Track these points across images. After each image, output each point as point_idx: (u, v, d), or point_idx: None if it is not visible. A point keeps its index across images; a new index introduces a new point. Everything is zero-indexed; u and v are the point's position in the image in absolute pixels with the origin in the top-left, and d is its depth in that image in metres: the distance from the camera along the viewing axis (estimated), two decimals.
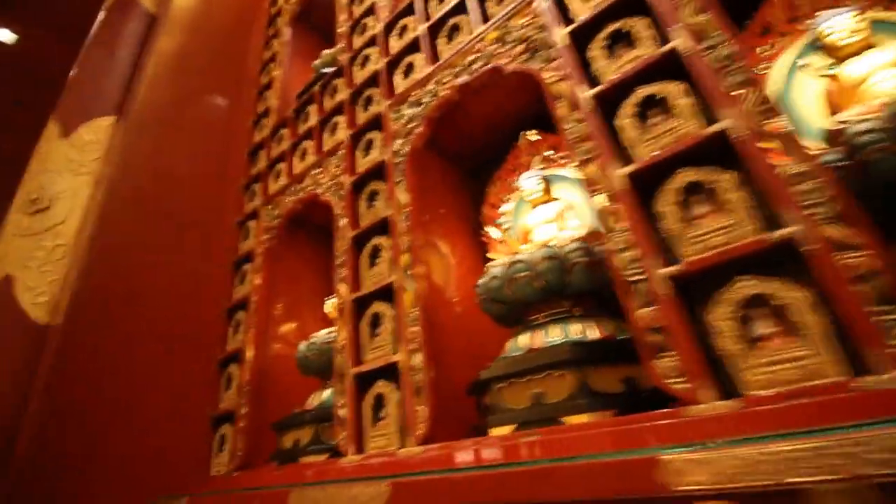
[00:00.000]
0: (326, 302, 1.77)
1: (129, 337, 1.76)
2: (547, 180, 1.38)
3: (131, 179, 2.10)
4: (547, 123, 1.33)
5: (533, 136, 1.52)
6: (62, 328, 1.62)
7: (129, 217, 1.97)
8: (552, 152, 1.48)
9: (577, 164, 0.97)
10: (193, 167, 2.26)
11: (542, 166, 1.47)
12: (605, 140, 0.94)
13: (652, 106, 0.91)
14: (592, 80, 1.03)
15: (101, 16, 2.55)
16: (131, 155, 2.14)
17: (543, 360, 0.89)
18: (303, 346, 1.56)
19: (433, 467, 0.90)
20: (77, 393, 1.56)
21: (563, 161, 1.45)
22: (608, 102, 0.97)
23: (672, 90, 0.88)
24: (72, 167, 2.10)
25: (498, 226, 1.54)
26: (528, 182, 1.38)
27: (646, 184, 0.86)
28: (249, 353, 1.72)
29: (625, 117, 0.93)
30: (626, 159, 0.90)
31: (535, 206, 1.37)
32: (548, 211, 1.33)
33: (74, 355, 1.61)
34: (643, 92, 0.91)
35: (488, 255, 1.53)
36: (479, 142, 1.65)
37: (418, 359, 1.12)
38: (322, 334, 1.53)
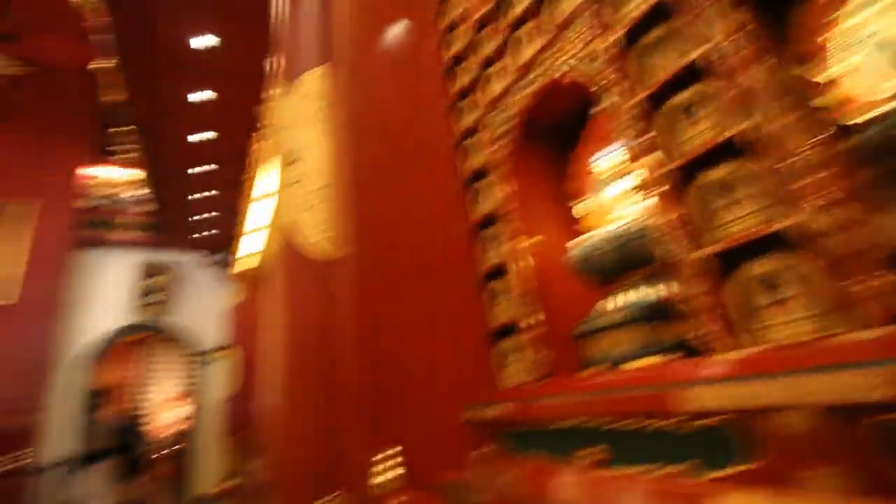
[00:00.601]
0: (576, 205, 1.60)
1: (396, 262, 1.83)
2: None
3: (355, 117, 2.14)
4: None
5: None
6: (347, 258, 1.74)
7: (366, 149, 2.02)
8: None
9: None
10: (402, 93, 2.22)
11: None
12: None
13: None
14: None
15: None
16: (343, 93, 2.18)
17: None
18: (586, 245, 1.40)
19: None
20: (378, 312, 1.66)
21: None
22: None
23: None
24: (303, 119, 2.23)
25: None
26: None
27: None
28: (517, 265, 1.64)
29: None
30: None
31: None
32: None
33: (363, 280, 1.72)
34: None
35: None
36: None
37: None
38: (610, 228, 1.35)
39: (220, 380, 8.05)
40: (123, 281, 7.90)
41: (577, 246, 1.55)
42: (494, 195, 1.83)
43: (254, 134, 5.08)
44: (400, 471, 1.35)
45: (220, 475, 7.41)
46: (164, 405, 10.47)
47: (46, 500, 6.07)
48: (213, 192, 7.53)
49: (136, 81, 4.75)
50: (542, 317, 1.52)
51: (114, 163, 8.10)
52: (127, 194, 8.06)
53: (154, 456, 9.49)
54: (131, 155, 8.19)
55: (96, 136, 8.00)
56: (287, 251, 2.05)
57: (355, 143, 2.00)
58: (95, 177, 7.89)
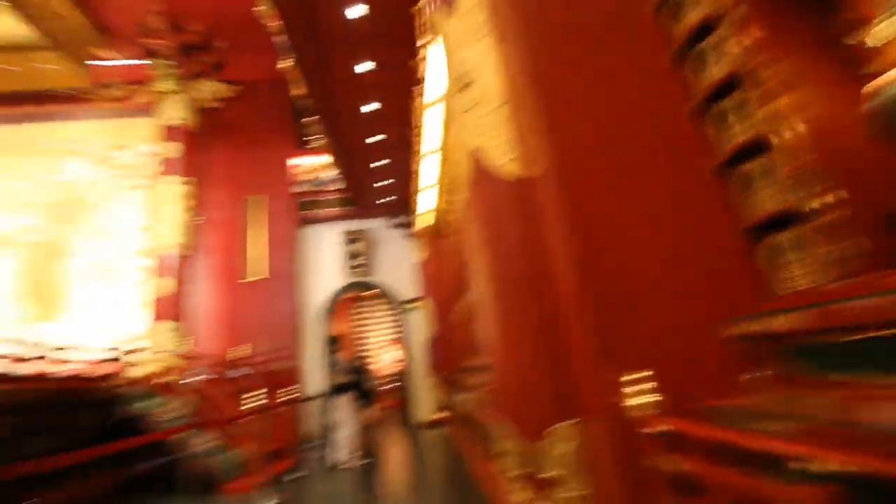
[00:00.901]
0: (861, 37, 1.06)
1: (604, 166, 1.56)
2: None
3: (520, 24, 1.86)
4: None
5: None
6: (547, 173, 1.54)
7: (541, 47, 1.74)
8: None
9: None
10: None
11: None
12: None
13: None
14: None
15: None
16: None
17: None
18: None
19: None
20: (592, 223, 1.45)
21: None
22: None
23: None
24: (468, 37, 2.05)
25: None
26: None
27: None
28: (783, 135, 1.21)
29: None
30: None
31: None
32: None
33: (569, 194, 1.51)
34: None
35: None
36: None
37: None
38: None
39: (419, 326, 9.06)
40: (335, 249, 9.38)
41: (879, 91, 1.05)
42: (729, 52, 1.37)
43: (414, 90, 5.21)
44: (653, 395, 1.15)
45: (433, 406, 8.49)
46: (382, 349, 12.44)
47: (315, 422, 7.82)
48: (387, 160, 8.14)
49: (307, 66, 5.26)
50: (842, 195, 1.09)
51: (310, 151, 9.50)
52: (324, 176, 9.40)
53: (380, 390, 11.41)
54: (320, 141, 9.45)
55: (295, 130, 9.46)
56: (478, 179, 1.98)
57: (530, 43, 1.75)
58: (300, 165, 9.41)
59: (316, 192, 9.47)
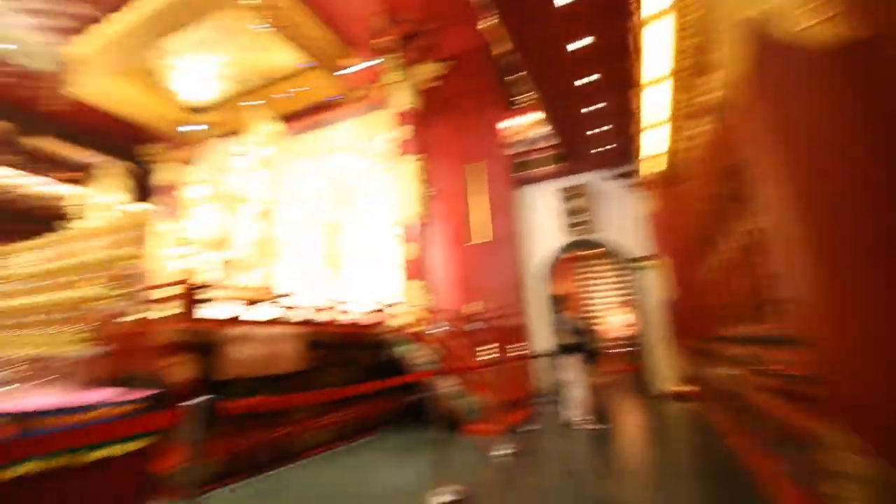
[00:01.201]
0: None
1: None
2: None
3: None
4: None
5: None
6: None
7: None
8: None
9: None
10: None
11: None
12: None
13: None
14: None
15: None
16: None
17: None
18: None
19: None
20: None
21: None
22: None
23: None
24: None
25: None
26: None
27: None
28: None
29: None
30: None
31: None
32: None
33: None
34: None
35: None
36: None
37: None
38: None
39: (653, 286, 8.05)
40: (553, 208, 9.15)
41: None
42: None
43: (630, 5, 4.36)
44: None
45: (675, 376, 7.49)
46: (609, 311, 11.75)
47: (545, 378, 7.93)
48: (602, 103, 7.29)
49: (509, 17, 4.98)
50: None
51: (519, 111, 9.39)
52: (536, 134, 9.17)
53: (607, 353, 10.83)
54: (529, 98, 9.20)
55: (503, 93, 9.49)
56: (763, 61, 1.38)
57: None
58: (511, 127, 9.43)
59: (529, 152, 9.34)
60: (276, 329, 4.55)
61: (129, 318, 3.95)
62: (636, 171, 8.18)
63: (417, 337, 6.28)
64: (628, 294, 9.36)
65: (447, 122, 9.56)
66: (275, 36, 8.26)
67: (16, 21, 9.43)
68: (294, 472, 4.01)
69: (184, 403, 1.51)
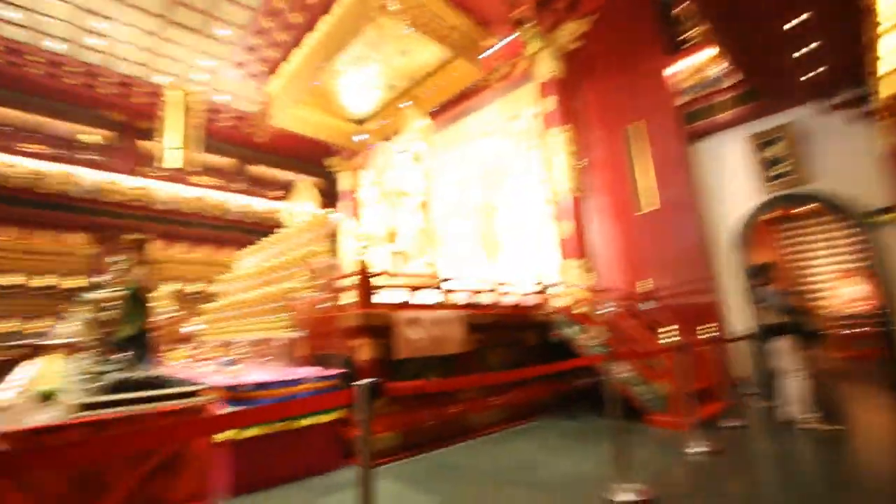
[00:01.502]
0: None
1: None
2: None
3: None
4: None
5: None
6: None
7: None
8: None
9: None
10: None
11: None
12: None
13: None
14: None
15: None
16: None
17: None
18: None
19: None
20: None
21: None
22: None
23: None
24: None
25: None
26: None
27: None
28: None
29: None
30: None
31: None
32: None
33: None
34: None
35: None
36: None
37: None
38: None
39: None
40: (741, 161, 7.58)
41: None
42: None
43: None
44: None
45: None
46: (834, 282, 9.28)
47: (748, 365, 6.67)
48: (806, 14, 5.66)
49: None
50: None
51: (686, 51, 7.97)
52: (712, 73, 7.67)
53: (835, 334, 8.56)
54: (700, 33, 7.73)
55: (665, 34, 8.17)
56: None
57: None
58: (678, 73, 8.07)
59: (703, 98, 7.87)
60: (442, 312, 4.77)
61: (322, 306, 4.62)
62: (866, 97, 6.17)
63: (583, 318, 5.90)
64: (861, 259, 7.18)
65: (596, 85, 8.70)
66: (416, 36, 8.64)
67: (228, 74, 11.93)
68: (461, 451, 4.12)
69: (355, 384, 1.60)
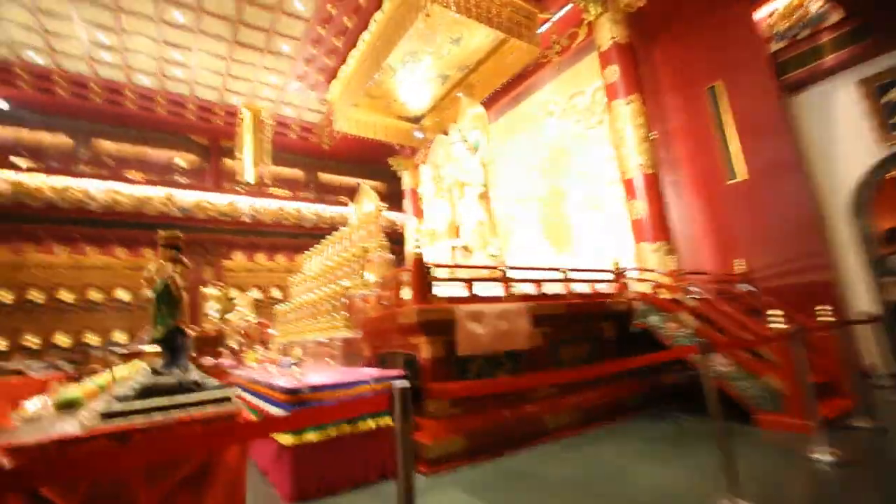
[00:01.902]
0: None
1: None
2: None
3: None
4: None
5: None
6: None
7: None
8: None
9: None
10: None
11: None
12: None
13: None
14: None
15: None
16: None
17: None
18: None
19: None
20: None
21: None
22: None
23: None
24: None
25: None
26: None
27: None
28: None
29: None
30: None
31: None
32: None
33: None
34: None
35: None
36: None
37: None
38: None
39: None
40: (852, 111, 6.37)
41: None
42: None
43: None
44: None
45: None
46: None
47: (881, 355, 5.61)
48: None
49: None
50: None
51: None
52: (812, 9, 6.52)
53: None
54: None
55: None
56: None
57: None
58: (768, 16, 6.97)
59: (801, 42, 6.72)
60: (507, 305, 4.47)
61: (381, 304, 4.53)
62: None
63: (670, 305, 5.27)
64: None
65: (665, 46, 7.82)
66: (467, 21, 8.35)
67: (292, 87, 12.48)
68: (534, 457, 3.74)
69: (396, 385, 1.39)
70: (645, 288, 6.00)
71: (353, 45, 10.13)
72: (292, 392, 3.12)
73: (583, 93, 9.03)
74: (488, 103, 10.99)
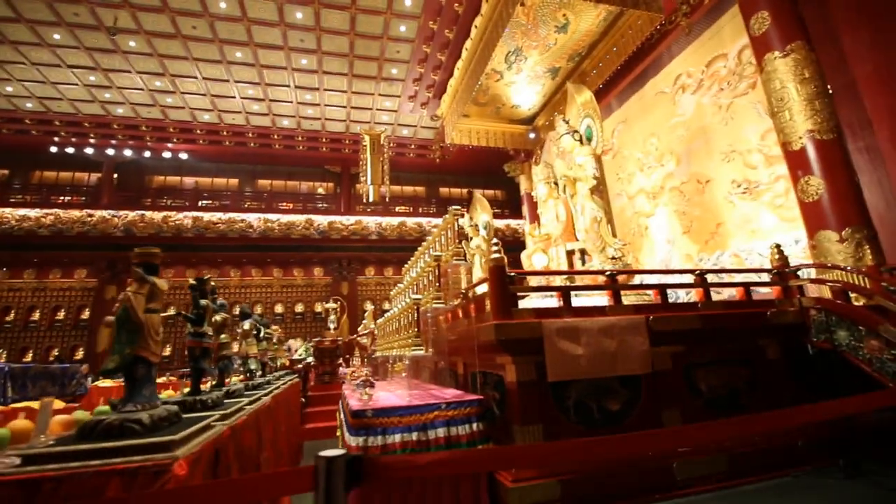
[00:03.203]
0: None
1: None
2: None
3: None
4: None
5: None
6: None
7: None
8: None
9: None
10: None
11: None
12: None
13: None
14: None
15: None
16: None
17: None
18: None
19: None
20: None
21: None
22: None
23: None
24: None
25: None
26: None
27: None
28: None
29: None
30: None
31: None
32: None
33: None
34: None
35: None
36: None
37: None
38: None
39: None
40: None
41: None
42: None
43: None
44: None
45: None
46: None
47: None
48: None
49: None
50: None
51: None
52: None
53: None
54: None
55: None
56: None
57: None
58: None
59: None
60: (615, 319, 3.64)
61: (459, 318, 4.09)
62: None
63: (865, 315, 3.77)
64: None
65: None
66: (570, 3, 7.61)
67: (405, 108, 13.00)
68: None
69: (319, 458, 0.97)
70: (825, 292, 4.44)
71: (458, 56, 10.07)
72: (355, 415, 2.88)
73: (724, 56, 7.44)
74: (606, 90, 9.88)
